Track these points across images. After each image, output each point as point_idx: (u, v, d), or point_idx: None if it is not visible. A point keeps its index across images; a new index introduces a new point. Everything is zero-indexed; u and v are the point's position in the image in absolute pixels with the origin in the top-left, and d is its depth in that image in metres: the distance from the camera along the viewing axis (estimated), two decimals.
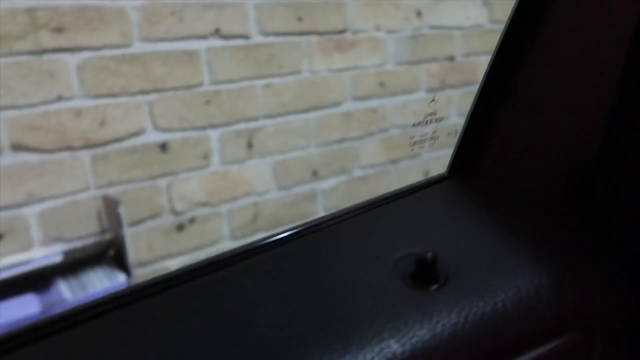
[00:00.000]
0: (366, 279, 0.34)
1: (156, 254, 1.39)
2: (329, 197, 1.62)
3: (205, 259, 0.37)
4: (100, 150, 1.30)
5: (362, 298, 0.33)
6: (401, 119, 1.66)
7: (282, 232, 0.40)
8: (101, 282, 1.21)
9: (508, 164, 0.44)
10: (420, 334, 0.31)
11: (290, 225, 0.44)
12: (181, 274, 0.36)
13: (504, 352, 0.32)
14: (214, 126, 1.43)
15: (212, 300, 0.33)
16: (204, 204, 1.45)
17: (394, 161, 1.67)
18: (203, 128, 1.41)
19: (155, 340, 0.31)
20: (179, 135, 1.38)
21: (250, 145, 1.49)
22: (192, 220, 1.44)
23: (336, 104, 1.58)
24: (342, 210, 0.44)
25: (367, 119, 1.62)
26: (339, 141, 1.58)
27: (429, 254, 0.33)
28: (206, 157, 1.43)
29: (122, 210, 1.32)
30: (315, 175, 1.58)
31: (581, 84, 0.40)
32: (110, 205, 1.32)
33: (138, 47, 1.27)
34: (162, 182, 1.39)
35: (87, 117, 1.25)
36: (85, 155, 1.29)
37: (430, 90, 1.70)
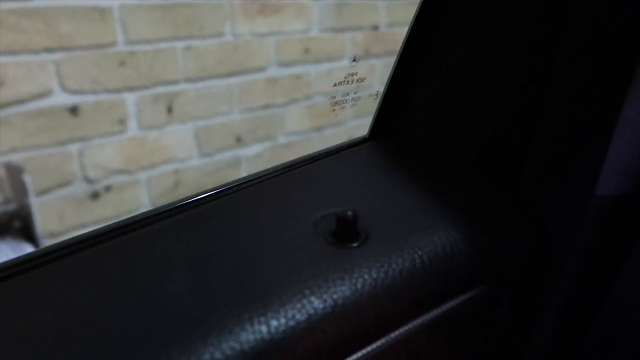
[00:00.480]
0: (286, 239, 0.34)
1: (68, 224, 1.31)
2: (253, 163, 1.59)
3: (117, 222, 0.35)
4: (0, 113, 1.19)
5: (282, 257, 0.32)
6: (326, 86, 1.66)
7: (200, 194, 0.38)
8: (6, 255, 1.12)
9: (426, 128, 0.45)
10: (341, 289, 0.31)
11: (209, 187, 0.43)
12: (91, 236, 0.34)
13: (420, 304, 0.33)
14: (130, 89, 1.35)
15: (120, 264, 0.32)
16: (121, 172, 1.38)
17: (318, 128, 1.68)
18: (118, 91, 1.33)
19: (55, 307, 0.28)
20: (90, 98, 1.29)
21: (170, 110, 1.43)
22: (108, 189, 1.37)
23: (260, 70, 1.54)
24: (262, 172, 0.43)
25: (291, 85, 1.60)
26: (263, 107, 1.56)
27: (350, 213, 0.33)
28: (122, 122, 1.35)
29: (27, 179, 1.22)
30: (239, 141, 1.55)
31: (495, 53, 0.41)
32: (13, 173, 1.22)
33: (41, 1, 1.17)
34: (73, 148, 1.30)
35: None
36: None
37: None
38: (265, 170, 0.44)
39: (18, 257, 0.32)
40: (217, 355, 0.26)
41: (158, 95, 1.38)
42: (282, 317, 0.28)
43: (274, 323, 0.28)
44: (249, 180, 0.41)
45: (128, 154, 1.38)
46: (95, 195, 1.35)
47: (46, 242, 1.25)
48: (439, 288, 0.34)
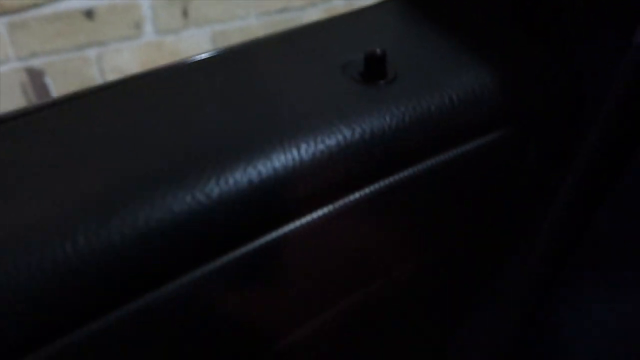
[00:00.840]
0: (314, 81, 0.34)
1: None
2: None
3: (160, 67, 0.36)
4: (16, 18, 1.18)
5: (312, 94, 0.32)
6: None
7: (230, 46, 0.38)
8: None
9: None
10: (369, 120, 0.31)
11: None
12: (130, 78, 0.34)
13: (447, 140, 0.33)
14: None
15: (160, 95, 0.32)
16: None
17: None
18: None
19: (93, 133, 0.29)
20: (105, 1, 1.27)
21: (185, 14, 1.39)
22: None
23: None
24: (288, 29, 0.42)
25: None
26: (281, 11, 1.51)
27: (378, 50, 0.33)
28: (138, 26, 1.33)
29: (49, 82, 1.23)
30: None
31: None
32: (36, 77, 1.23)
33: None
34: (91, 52, 1.30)
35: None
36: (0, 24, 1.17)
37: None
38: (290, 29, 0.43)
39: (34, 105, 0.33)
40: (252, 173, 0.27)
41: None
42: (312, 141, 0.29)
43: (304, 146, 0.29)
44: (275, 36, 0.40)
45: (146, 59, 1.36)
46: None
47: None
48: (466, 126, 0.34)
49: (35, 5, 1.20)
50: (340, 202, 0.30)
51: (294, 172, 0.28)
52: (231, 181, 0.26)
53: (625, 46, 0.40)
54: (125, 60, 1.33)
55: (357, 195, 0.31)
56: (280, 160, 0.28)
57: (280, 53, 0.37)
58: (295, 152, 0.28)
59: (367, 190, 0.31)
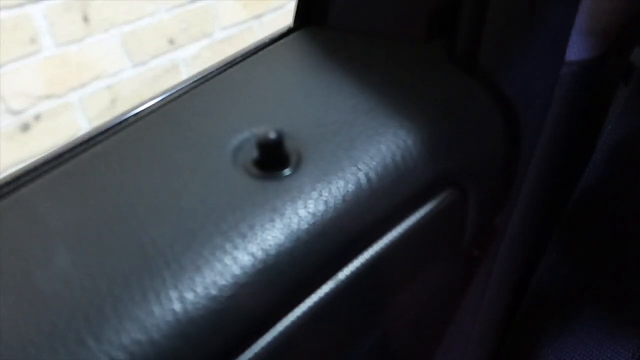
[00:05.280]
0: (199, 178, 0.27)
1: (2, 163, 1.20)
2: (192, 66, 1.46)
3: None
4: None
5: (195, 205, 0.26)
6: None
7: (87, 134, 0.30)
8: None
9: (360, 9, 0.36)
10: (272, 235, 0.25)
11: (112, 117, 0.35)
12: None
13: (376, 229, 0.27)
14: (32, 1, 1.17)
15: None
16: (48, 97, 1.25)
17: (257, 16, 1.53)
18: (20, 5, 1.15)
19: None
20: None
21: (86, 19, 1.26)
22: (37, 118, 1.25)
23: None
24: (169, 89, 0.35)
25: None
26: (192, 1, 1.39)
27: (272, 134, 0.26)
28: (34, 40, 1.19)
29: None
30: (173, 43, 1.40)
31: None
32: None
33: None
34: None
35: None
36: None
37: None
38: (172, 87, 0.35)
39: None
40: (117, 355, 0.20)
41: (68, 4, 1.21)
42: (200, 286, 0.22)
43: (189, 297, 0.22)
44: (150, 106, 0.33)
45: (50, 76, 1.23)
46: (25, 127, 1.23)
47: None
48: (394, 205, 0.28)
49: None
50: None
51: (178, 335, 0.22)
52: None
53: (558, 63, 0.35)
54: (26, 80, 1.20)
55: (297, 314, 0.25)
56: (158, 324, 0.22)
57: (156, 134, 0.30)
58: (178, 306, 0.22)
59: (304, 310, 0.25)
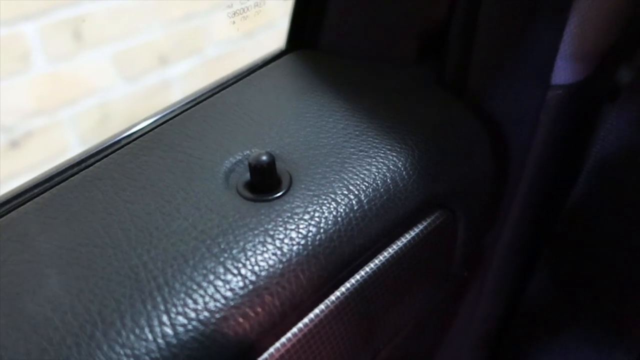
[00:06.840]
0: (192, 201, 0.27)
1: None
2: (185, 83, 1.47)
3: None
4: None
5: (187, 228, 0.26)
6: None
7: (76, 157, 0.30)
8: None
9: (354, 27, 0.37)
10: (264, 257, 0.25)
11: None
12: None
13: (367, 251, 0.28)
14: (25, 18, 1.18)
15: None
16: (39, 113, 1.25)
17: (249, 34, 1.54)
18: (12, 23, 1.16)
19: None
20: None
21: (78, 37, 1.26)
22: (28, 134, 1.25)
23: None
24: (160, 111, 0.35)
25: None
26: (185, 18, 1.40)
27: (264, 157, 0.27)
28: (25, 57, 1.19)
29: None
30: (165, 61, 1.41)
31: None
32: None
33: None
34: None
35: None
36: None
37: None
38: (164, 109, 0.36)
39: None
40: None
41: (59, 22, 1.22)
42: (191, 310, 0.23)
43: (181, 321, 0.22)
44: (141, 128, 0.33)
45: (42, 93, 1.23)
46: (15, 144, 1.23)
47: None
48: (385, 227, 0.28)
49: None
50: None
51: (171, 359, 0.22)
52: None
53: (544, 87, 0.35)
54: (17, 98, 1.20)
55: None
56: (150, 349, 0.22)
57: (149, 158, 0.30)
58: (169, 331, 0.22)
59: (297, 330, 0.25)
